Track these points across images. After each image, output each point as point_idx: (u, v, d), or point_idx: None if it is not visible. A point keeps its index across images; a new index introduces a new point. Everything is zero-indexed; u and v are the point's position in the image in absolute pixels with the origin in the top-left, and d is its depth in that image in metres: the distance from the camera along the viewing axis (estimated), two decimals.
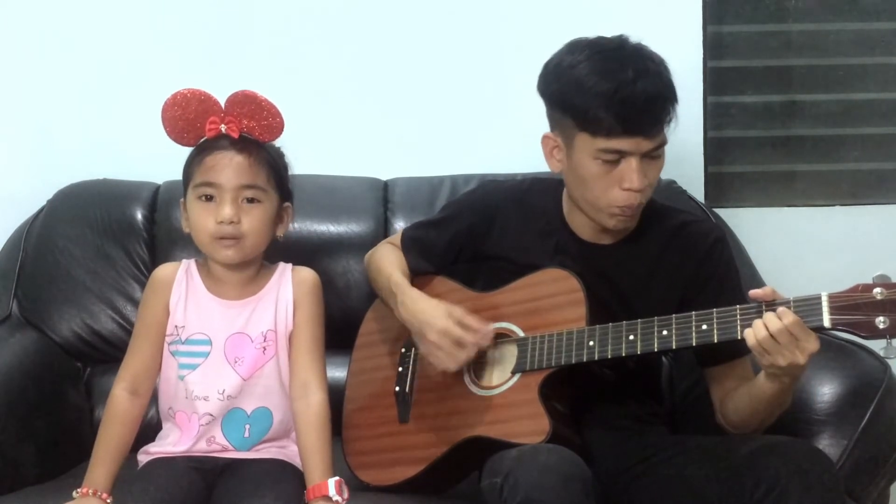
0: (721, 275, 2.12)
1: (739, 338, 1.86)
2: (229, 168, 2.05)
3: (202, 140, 2.10)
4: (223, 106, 2.07)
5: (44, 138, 2.82)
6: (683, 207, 2.37)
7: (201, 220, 2.06)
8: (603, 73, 1.97)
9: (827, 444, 2.10)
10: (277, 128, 2.09)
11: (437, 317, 2.07)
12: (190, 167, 2.10)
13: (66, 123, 2.82)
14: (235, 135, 2.06)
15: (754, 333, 1.82)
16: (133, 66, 2.80)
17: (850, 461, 2.11)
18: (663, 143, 2.03)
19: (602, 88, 1.96)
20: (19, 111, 2.82)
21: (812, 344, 1.82)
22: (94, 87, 2.81)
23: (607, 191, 2.02)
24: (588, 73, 1.99)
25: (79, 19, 2.80)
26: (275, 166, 2.10)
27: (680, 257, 2.12)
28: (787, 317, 1.80)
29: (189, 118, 2.07)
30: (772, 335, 1.80)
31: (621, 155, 1.99)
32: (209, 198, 2.06)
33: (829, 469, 1.90)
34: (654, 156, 2.02)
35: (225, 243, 2.06)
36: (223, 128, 2.07)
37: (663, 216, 2.17)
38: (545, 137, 2.11)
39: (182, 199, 2.13)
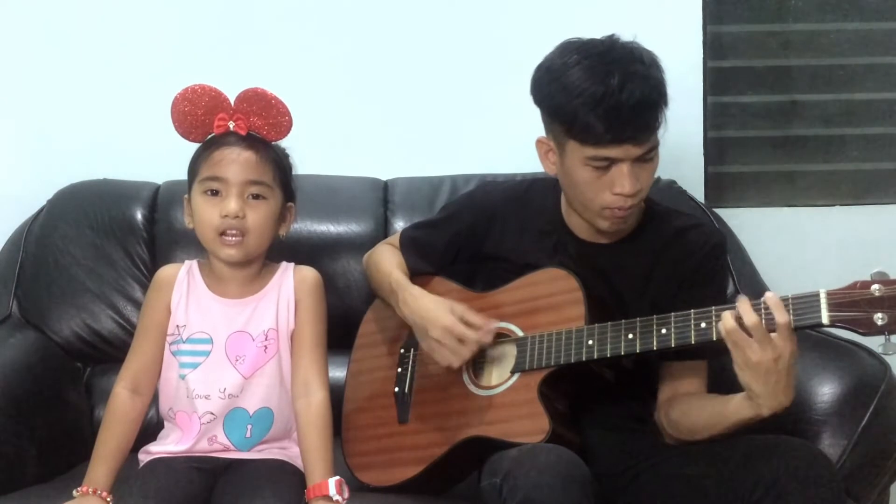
0: (708, 277, 2.10)
1: None
2: (236, 163, 2.05)
3: (209, 136, 2.10)
4: (233, 103, 2.08)
5: (44, 138, 2.83)
6: (684, 208, 2.37)
7: (206, 214, 2.06)
8: (589, 81, 1.94)
9: (827, 444, 2.11)
10: (286, 126, 2.09)
11: (440, 314, 2.07)
12: (196, 162, 2.10)
13: (66, 123, 2.82)
14: (243, 132, 2.07)
15: (724, 324, 1.82)
16: (133, 66, 2.80)
17: (850, 461, 2.11)
18: (654, 146, 2.01)
19: (588, 97, 1.94)
20: (19, 111, 2.82)
21: (787, 345, 1.79)
22: (94, 87, 2.81)
23: (599, 195, 2.01)
24: (575, 81, 1.96)
25: (79, 19, 2.80)
26: (280, 165, 2.11)
27: (677, 260, 2.11)
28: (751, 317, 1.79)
29: (198, 114, 2.08)
30: (745, 328, 1.80)
31: (612, 161, 1.98)
32: (215, 192, 2.06)
33: (829, 469, 1.89)
34: (646, 159, 2.00)
35: (228, 240, 2.06)
36: (231, 125, 2.07)
37: (665, 219, 2.16)
38: (539, 141, 2.10)
39: (185, 196, 2.13)
